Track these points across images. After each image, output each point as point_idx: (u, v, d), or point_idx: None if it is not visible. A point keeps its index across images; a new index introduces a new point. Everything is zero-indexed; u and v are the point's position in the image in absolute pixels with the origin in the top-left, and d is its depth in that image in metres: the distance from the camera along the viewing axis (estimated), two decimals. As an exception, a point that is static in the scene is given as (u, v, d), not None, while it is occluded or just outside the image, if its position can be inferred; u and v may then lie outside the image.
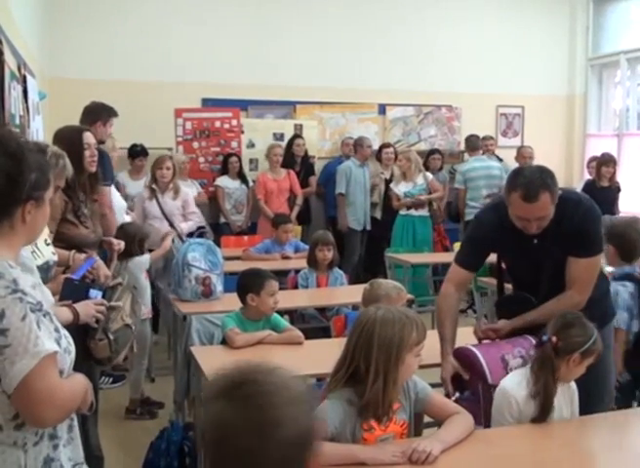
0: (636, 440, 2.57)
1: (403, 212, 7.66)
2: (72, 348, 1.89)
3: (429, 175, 7.79)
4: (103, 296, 2.89)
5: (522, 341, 2.94)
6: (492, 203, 3.44)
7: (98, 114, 4.93)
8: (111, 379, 5.36)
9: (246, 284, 3.75)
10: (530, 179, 2.87)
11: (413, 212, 7.62)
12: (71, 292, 2.80)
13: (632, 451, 2.43)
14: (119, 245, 4.01)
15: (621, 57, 9.45)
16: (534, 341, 2.74)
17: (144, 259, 4.83)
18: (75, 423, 1.95)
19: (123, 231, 4.58)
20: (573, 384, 2.69)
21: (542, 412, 2.51)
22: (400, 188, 7.69)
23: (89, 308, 2.72)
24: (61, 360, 1.81)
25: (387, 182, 8.31)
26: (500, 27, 9.49)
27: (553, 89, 9.92)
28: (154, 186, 6.14)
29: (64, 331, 1.88)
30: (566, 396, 2.65)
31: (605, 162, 8.14)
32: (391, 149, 8.51)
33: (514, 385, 2.57)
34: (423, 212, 7.69)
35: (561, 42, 9.95)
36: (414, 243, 7.48)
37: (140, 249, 4.71)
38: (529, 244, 3.02)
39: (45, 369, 1.71)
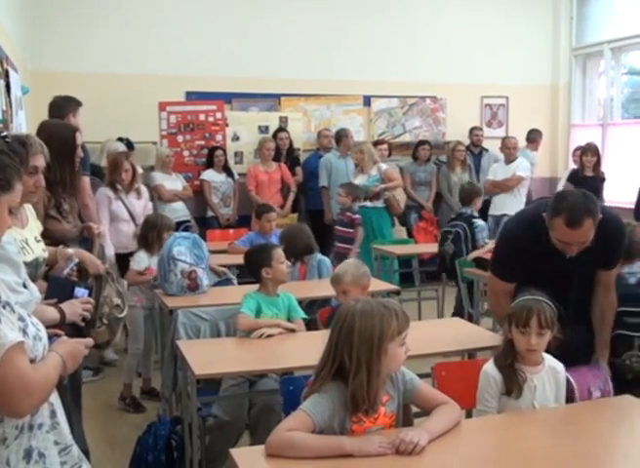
0: (622, 427, 2.58)
1: (360, 203, 7.63)
2: (43, 334, 1.89)
3: (383, 165, 7.63)
4: (90, 294, 2.88)
5: (599, 374, 3.15)
6: (527, 218, 3.33)
7: (66, 107, 4.95)
8: (91, 372, 5.36)
9: (256, 260, 3.89)
10: (574, 205, 2.93)
11: (368, 203, 7.60)
12: (56, 290, 2.79)
13: (619, 438, 2.45)
14: (99, 229, 4.07)
15: (605, 46, 9.47)
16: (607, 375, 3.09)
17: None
18: (57, 408, 1.94)
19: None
20: (561, 369, 2.77)
21: (509, 386, 2.65)
22: (357, 181, 7.65)
23: (75, 307, 2.70)
24: (32, 348, 1.81)
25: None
26: (484, 18, 9.48)
27: (537, 79, 9.94)
28: (118, 186, 5.72)
29: (32, 319, 1.88)
30: (550, 378, 2.74)
31: (585, 151, 8.18)
32: (385, 146, 8.50)
33: (493, 366, 2.71)
34: (378, 203, 7.61)
35: (545, 32, 9.96)
36: (373, 234, 7.45)
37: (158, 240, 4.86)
38: (562, 258, 3.07)
39: (12, 360, 1.71)
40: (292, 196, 8.12)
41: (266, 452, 2.19)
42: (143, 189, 6.09)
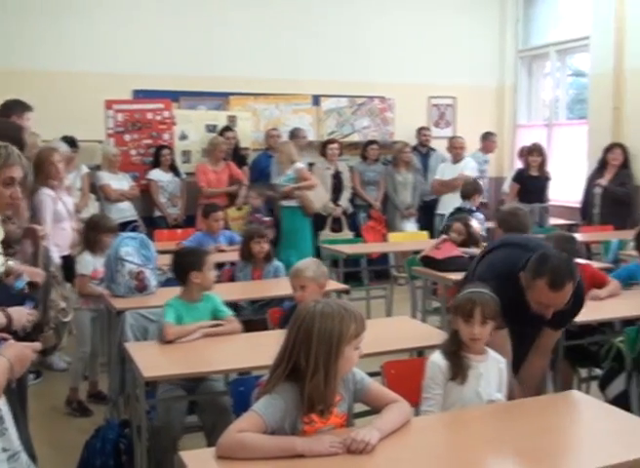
0: (570, 422, 2.63)
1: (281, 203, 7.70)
2: None
3: (298, 165, 7.66)
4: (35, 306, 2.83)
5: None
6: (502, 274, 3.23)
7: (11, 108, 4.93)
8: (33, 376, 5.26)
9: (186, 262, 3.76)
10: (557, 268, 3.00)
11: (284, 202, 7.67)
12: (6, 299, 2.72)
13: (566, 433, 2.50)
14: (43, 231, 3.96)
15: (551, 48, 9.65)
16: None
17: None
18: (4, 413, 1.90)
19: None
20: (502, 360, 2.89)
21: (455, 371, 2.76)
22: (276, 180, 7.70)
23: (22, 316, 2.65)
24: None
25: (334, 177, 8.40)
26: (432, 19, 9.57)
27: (484, 80, 10.08)
28: (55, 183, 5.34)
29: None
30: (494, 368, 2.86)
31: (530, 151, 8.33)
32: (336, 145, 8.53)
33: (439, 355, 2.82)
34: (291, 202, 7.66)
35: (492, 34, 10.10)
36: (288, 234, 7.52)
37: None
38: (530, 319, 3.16)
39: None
40: (244, 190, 8.03)
41: (217, 454, 2.17)
42: (69, 183, 5.95)
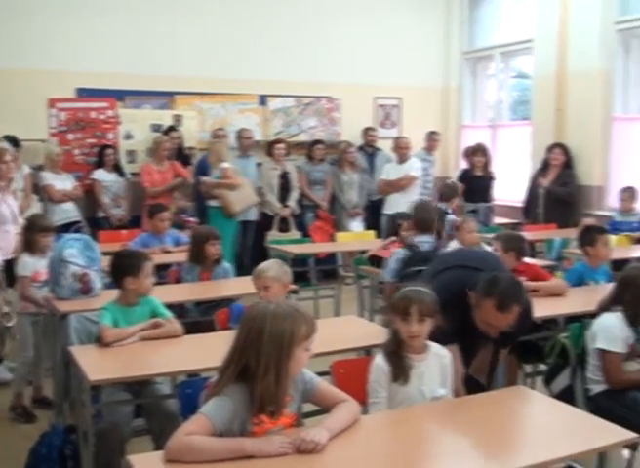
0: (516, 416, 2.66)
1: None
2: None
3: (225, 165, 7.65)
4: None
5: None
6: (450, 291, 3.25)
7: None
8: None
9: (123, 266, 3.68)
10: (506, 290, 3.10)
11: (209, 202, 7.73)
12: None
13: (513, 427, 2.53)
14: None
15: (495, 51, 9.80)
16: None
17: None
18: None
19: None
20: (445, 354, 2.90)
21: (396, 372, 2.76)
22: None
23: None
24: None
25: (282, 177, 8.37)
26: (378, 20, 9.63)
27: (430, 81, 10.18)
28: (2, 184, 5.32)
29: None
30: (436, 364, 2.86)
31: (474, 151, 8.44)
32: (283, 145, 8.51)
33: (382, 357, 2.82)
34: (213, 202, 7.71)
35: (437, 36, 10.21)
36: None
37: None
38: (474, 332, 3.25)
39: None
40: (187, 188, 7.94)
41: (166, 458, 2.15)
42: (16, 186, 5.81)
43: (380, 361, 2.81)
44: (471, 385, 3.23)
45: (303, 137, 9.33)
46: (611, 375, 3.44)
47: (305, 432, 2.24)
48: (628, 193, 7.26)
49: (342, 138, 9.35)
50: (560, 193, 7.94)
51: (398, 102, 10.02)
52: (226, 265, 5.15)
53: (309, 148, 8.90)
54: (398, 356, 2.80)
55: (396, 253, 4.90)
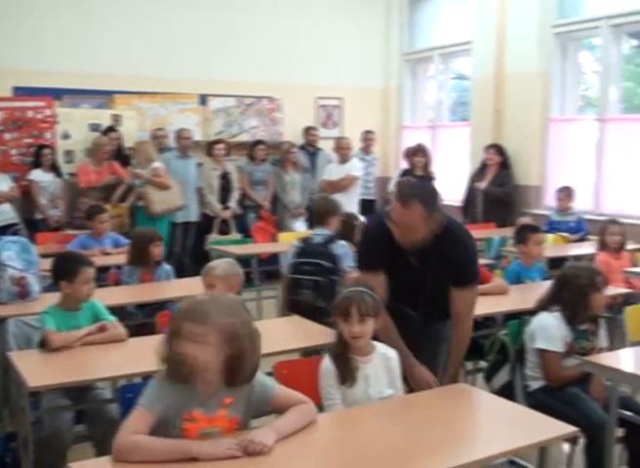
0: (458, 412, 2.70)
1: None
2: None
3: (156, 164, 7.63)
4: None
5: None
6: (379, 216, 3.47)
7: None
8: None
9: (59, 270, 3.61)
10: (408, 186, 3.16)
11: (139, 202, 7.72)
12: None
13: (455, 423, 2.57)
14: None
15: (435, 52, 9.91)
16: None
17: None
18: None
19: None
20: (392, 355, 2.93)
21: (342, 375, 2.78)
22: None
23: None
24: None
25: (223, 178, 8.32)
26: (320, 21, 9.66)
27: (370, 82, 10.25)
28: None
29: None
30: (382, 365, 2.88)
31: (415, 152, 8.54)
32: (222, 145, 8.45)
33: (328, 359, 2.83)
34: (140, 202, 7.70)
35: (377, 37, 10.29)
36: None
37: None
38: (411, 266, 3.24)
39: None
40: (123, 186, 7.82)
41: (113, 458, 2.14)
42: None
43: (327, 363, 2.83)
44: (398, 315, 3.29)
45: (245, 138, 9.29)
46: (550, 374, 3.51)
47: (252, 434, 2.23)
48: (565, 193, 7.42)
49: (284, 139, 9.34)
50: (497, 194, 8.08)
51: (339, 103, 10.07)
52: (167, 267, 5.11)
53: (251, 148, 8.87)
54: (344, 358, 2.82)
55: (292, 247, 4.82)
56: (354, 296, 2.85)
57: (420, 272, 3.26)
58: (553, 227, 7.25)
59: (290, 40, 9.42)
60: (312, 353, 3.58)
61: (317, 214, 4.99)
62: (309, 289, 4.50)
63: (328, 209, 4.95)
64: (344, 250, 4.62)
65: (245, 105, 9.35)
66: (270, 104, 9.48)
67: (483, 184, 8.14)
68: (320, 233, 4.77)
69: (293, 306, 4.57)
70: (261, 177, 8.75)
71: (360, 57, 10.06)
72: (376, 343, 2.92)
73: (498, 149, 8.29)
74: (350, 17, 9.93)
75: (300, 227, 8.50)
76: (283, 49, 9.36)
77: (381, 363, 2.89)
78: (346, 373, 2.79)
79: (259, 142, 8.91)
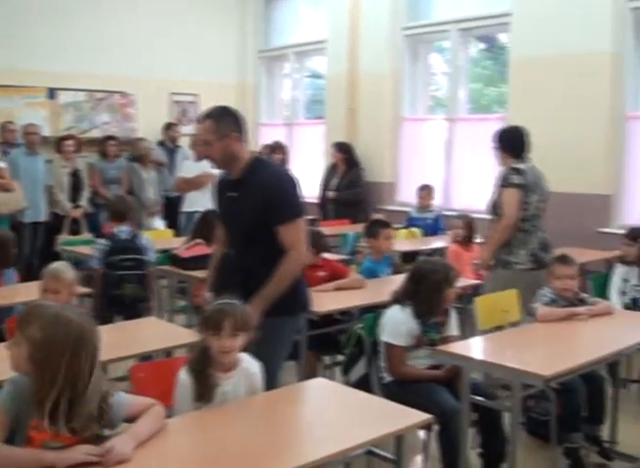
0: (314, 408, 2.72)
1: None
2: None
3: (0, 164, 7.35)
4: None
5: None
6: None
7: None
8: None
9: None
10: (213, 108, 3.35)
11: None
12: None
13: (313, 419, 2.58)
14: None
15: (290, 50, 9.99)
16: None
17: None
18: None
19: None
20: (255, 370, 2.78)
21: (199, 391, 2.64)
22: None
23: None
24: None
25: (73, 176, 8.01)
26: (175, 16, 9.54)
27: (226, 78, 10.19)
28: None
29: None
30: (244, 382, 2.73)
31: (273, 149, 8.58)
32: (72, 141, 8.12)
33: (186, 372, 2.68)
34: None
35: (233, 34, 10.25)
36: None
37: None
38: (228, 198, 3.37)
39: None
40: None
41: None
42: None
43: (184, 376, 2.67)
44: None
45: (96, 134, 8.99)
46: (392, 367, 3.60)
47: (111, 442, 2.14)
48: (426, 191, 7.67)
49: (139, 135, 9.12)
50: (346, 197, 8.22)
51: (195, 99, 9.94)
52: (12, 271, 4.86)
53: (102, 145, 8.58)
54: (204, 374, 2.66)
55: (98, 244, 5.09)
56: (228, 310, 2.68)
57: (239, 205, 3.32)
58: (412, 224, 7.46)
59: (144, 34, 9.23)
60: (169, 354, 3.51)
61: (118, 212, 5.23)
62: (133, 282, 4.88)
63: (127, 207, 5.31)
64: (149, 242, 5.19)
65: (96, 100, 9.05)
66: (123, 99, 9.24)
67: (331, 193, 8.25)
68: (124, 229, 5.10)
69: (113, 302, 4.90)
70: (115, 175, 8.48)
71: (216, 53, 9.99)
72: (241, 357, 2.77)
73: (341, 147, 8.44)
74: (206, 12, 9.85)
75: (159, 225, 8.32)
76: (136, 43, 9.14)
77: (243, 378, 2.75)
78: (204, 391, 2.64)
79: (110, 138, 8.63)
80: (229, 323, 2.65)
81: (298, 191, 3.34)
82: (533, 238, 4.81)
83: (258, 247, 3.29)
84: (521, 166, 4.83)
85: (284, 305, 3.26)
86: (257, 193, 3.23)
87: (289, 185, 3.33)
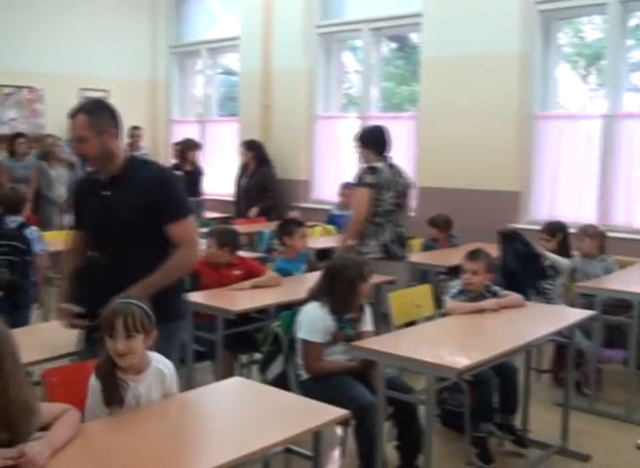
0: (231, 407, 2.72)
1: None
2: None
3: None
4: None
5: None
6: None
7: None
8: None
9: None
10: (87, 101, 3.24)
11: None
12: None
13: (228, 418, 2.58)
14: None
15: (202, 47, 9.91)
16: None
17: None
18: None
19: None
20: (167, 369, 2.67)
21: (108, 396, 2.51)
22: None
23: None
24: None
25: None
26: (85, 10, 9.35)
27: (137, 74, 10.05)
28: None
29: None
30: (157, 382, 2.63)
31: (189, 146, 8.49)
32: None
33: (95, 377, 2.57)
34: None
35: (144, 29, 10.11)
36: None
37: None
38: (102, 197, 3.09)
39: None
40: None
41: None
42: None
43: (94, 381, 2.55)
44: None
45: (4, 130, 8.70)
46: (308, 363, 3.62)
47: (28, 448, 2.05)
48: (347, 190, 7.68)
49: (47, 131, 8.87)
50: (260, 200, 8.18)
51: (105, 95, 9.71)
52: None
53: (10, 142, 8.30)
54: (111, 378, 2.53)
55: None
56: (121, 309, 2.52)
57: (114, 204, 3.06)
58: (332, 221, 7.48)
59: (52, 28, 9.01)
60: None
61: (10, 205, 5.37)
62: (4, 267, 4.84)
63: (19, 199, 5.48)
64: (36, 234, 5.25)
65: (3, 95, 8.77)
66: (31, 95, 8.97)
67: (253, 212, 8.08)
68: (15, 220, 5.28)
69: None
70: (24, 174, 8.21)
71: (126, 48, 9.83)
72: (152, 356, 2.66)
73: (250, 145, 8.44)
74: (116, 6, 9.68)
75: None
76: (44, 36, 8.92)
77: (155, 380, 2.64)
78: (111, 396, 2.51)
79: (19, 135, 8.37)
80: (122, 323, 2.49)
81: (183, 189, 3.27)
82: (385, 231, 5.11)
83: (136, 247, 3.07)
84: (378, 164, 5.10)
85: (163, 313, 2.84)
86: (140, 191, 3.03)
87: (177, 183, 3.22)
